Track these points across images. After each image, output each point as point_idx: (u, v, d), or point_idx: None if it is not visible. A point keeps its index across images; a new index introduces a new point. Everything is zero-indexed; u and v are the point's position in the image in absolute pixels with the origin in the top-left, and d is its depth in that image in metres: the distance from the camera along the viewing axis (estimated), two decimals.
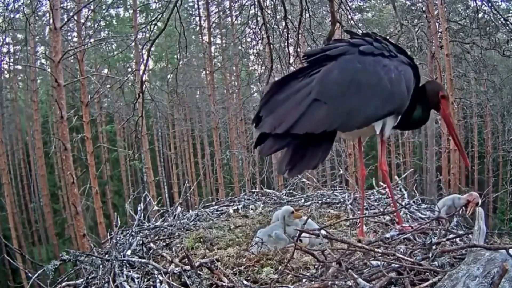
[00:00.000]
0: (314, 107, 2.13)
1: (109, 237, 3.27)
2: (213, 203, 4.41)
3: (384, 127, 2.48)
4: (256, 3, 5.40)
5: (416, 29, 12.11)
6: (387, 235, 2.55)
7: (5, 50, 18.58)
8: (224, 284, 2.08)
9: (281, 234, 2.67)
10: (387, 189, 4.03)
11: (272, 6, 5.87)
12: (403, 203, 3.44)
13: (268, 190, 4.64)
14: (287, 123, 2.08)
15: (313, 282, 2.00)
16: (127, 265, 2.46)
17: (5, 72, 19.83)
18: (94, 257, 2.60)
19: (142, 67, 5.77)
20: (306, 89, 2.19)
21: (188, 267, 2.18)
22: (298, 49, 5.41)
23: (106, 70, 16.74)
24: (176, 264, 2.33)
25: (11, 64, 19.37)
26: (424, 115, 2.68)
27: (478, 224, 2.09)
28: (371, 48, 2.36)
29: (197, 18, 18.23)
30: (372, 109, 2.28)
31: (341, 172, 6.33)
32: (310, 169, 2.28)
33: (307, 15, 5.40)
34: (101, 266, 2.50)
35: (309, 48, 7.62)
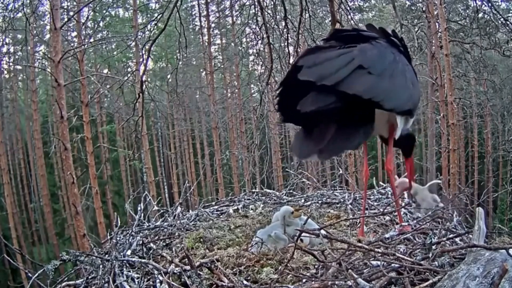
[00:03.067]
0: (360, 73, 1.89)
1: (109, 237, 3.26)
2: (213, 203, 4.40)
3: (401, 124, 2.40)
4: (256, 3, 5.40)
5: (416, 29, 12.12)
6: (387, 235, 2.55)
7: (5, 50, 18.60)
8: (224, 284, 2.08)
9: (281, 234, 2.68)
10: (387, 189, 4.04)
11: (272, 6, 5.87)
12: (403, 203, 3.44)
13: (268, 190, 4.64)
14: (337, 76, 1.82)
15: (313, 282, 2.00)
16: (127, 265, 2.46)
17: (5, 72, 19.83)
18: (94, 257, 2.59)
19: (142, 67, 5.77)
20: (349, 55, 1.96)
21: (188, 267, 2.18)
22: (298, 49, 5.41)
23: (106, 70, 16.78)
24: (176, 264, 2.33)
25: (11, 64, 19.37)
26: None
27: (478, 224, 2.09)
28: (397, 44, 2.33)
29: (197, 18, 18.24)
30: (405, 99, 2.16)
31: (341, 172, 6.33)
32: (349, 150, 2.10)
33: (307, 15, 5.40)
34: (101, 266, 2.50)
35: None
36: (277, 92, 2.12)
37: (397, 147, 2.81)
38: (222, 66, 18.58)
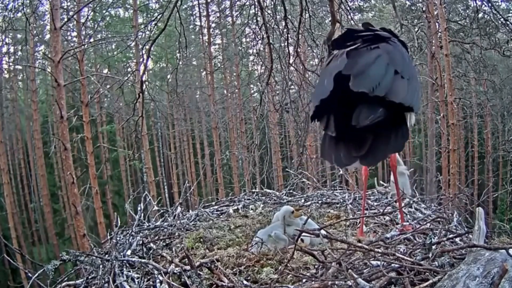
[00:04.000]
0: (398, 79, 1.86)
1: (109, 237, 3.27)
2: (213, 203, 4.41)
3: (412, 121, 2.37)
4: (256, 3, 5.39)
5: (416, 29, 12.12)
6: (387, 235, 2.55)
7: (5, 50, 18.60)
8: (224, 284, 2.08)
9: (281, 234, 2.68)
10: (387, 189, 4.05)
11: (272, 6, 5.87)
12: (403, 203, 3.44)
13: (268, 190, 4.64)
14: (384, 87, 1.77)
15: (313, 282, 2.00)
16: (127, 265, 2.46)
17: (5, 72, 19.82)
18: (94, 257, 2.59)
19: (142, 67, 5.77)
20: (382, 59, 1.92)
21: (188, 267, 2.18)
22: (298, 49, 5.40)
23: (106, 70, 16.76)
24: (176, 264, 2.33)
25: (11, 64, 19.36)
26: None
27: (478, 224, 2.09)
28: (404, 44, 2.31)
29: (197, 18, 18.25)
30: (418, 98, 2.11)
31: (341, 172, 6.32)
32: (394, 153, 2.04)
33: (307, 15, 5.40)
34: (101, 266, 2.50)
35: (309, 48, 7.62)
36: (318, 99, 1.94)
37: None
38: (222, 66, 18.57)
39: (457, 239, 2.43)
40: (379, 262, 2.05)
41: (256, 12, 6.15)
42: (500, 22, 8.40)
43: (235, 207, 4.00)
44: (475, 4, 8.56)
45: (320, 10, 12.82)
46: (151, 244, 2.89)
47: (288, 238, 2.65)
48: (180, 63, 7.62)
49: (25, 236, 18.67)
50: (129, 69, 18.12)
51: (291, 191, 4.57)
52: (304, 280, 2.09)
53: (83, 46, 11.04)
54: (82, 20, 11.89)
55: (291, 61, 5.55)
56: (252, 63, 17.67)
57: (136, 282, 2.27)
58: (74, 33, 14.08)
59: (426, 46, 11.75)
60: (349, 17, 5.35)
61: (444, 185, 9.52)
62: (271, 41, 5.45)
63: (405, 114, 2.14)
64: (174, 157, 22.13)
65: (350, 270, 1.94)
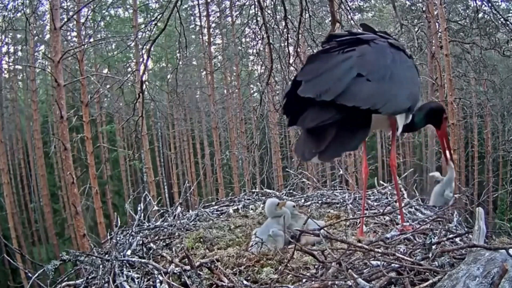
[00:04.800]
0: (359, 82, 1.98)
1: (109, 237, 3.26)
2: (213, 203, 4.40)
3: (401, 122, 2.45)
4: (256, 3, 5.40)
5: (416, 29, 12.12)
6: (388, 235, 2.55)
7: (5, 50, 18.60)
8: (224, 284, 2.08)
9: (277, 230, 2.67)
10: (386, 189, 4.04)
11: (272, 6, 5.87)
12: (403, 203, 3.44)
13: (268, 190, 4.63)
14: (335, 91, 1.90)
15: (313, 282, 2.00)
16: (127, 265, 2.46)
17: (5, 72, 19.82)
18: (94, 257, 2.59)
19: (142, 67, 5.78)
20: (347, 63, 2.04)
21: (188, 267, 2.18)
22: (298, 49, 5.41)
23: (106, 70, 16.74)
24: (176, 264, 2.33)
25: (11, 64, 19.37)
26: (421, 124, 2.76)
27: (478, 224, 2.09)
28: (396, 43, 2.38)
29: (197, 18, 18.24)
30: (402, 99, 2.23)
31: (341, 172, 6.32)
32: (347, 151, 2.18)
33: (307, 15, 5.40)
34: (101, 266, 2.50)
35: (309, 48, 7.62)
36: (283, 102, 2.19)
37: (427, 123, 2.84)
38: (222, 66, 18.56)
39: (457, 239, 2.43)
40: (379, 262, 2.05)
41: (256, 12, 6.16)
42: (500, 22, 8.40)
43: (235, 207, 4.00)
44: (475, 4, 8.56)
45: (320, 10, 12.83)
46: (151, 244, 2.89)
47: (285, 231, 2.64)
48: (180, 63, 7.62)
49: (25, 236, 18.67)
50: (129, 69, 18.11)
51: (291, 191, 4.56)
52: (304, 280, 2.09)
53: (83, 46, 11.04)
54: (82, 20, 11.88)
55: (291, 61, 5.56)
56: (252, 63, 17.68)
57: (136, 282, 2.27)
58: (74, 33, 14.07)
59: (426, 46, 11.75)
60: (349, 17, 5.35)
61: None
62: (271, 41, 5.45)
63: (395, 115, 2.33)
64: (174, 157, 22.14)
65: (350, 270, 1.94)
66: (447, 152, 3.00)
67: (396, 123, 2.43)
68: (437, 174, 3.50)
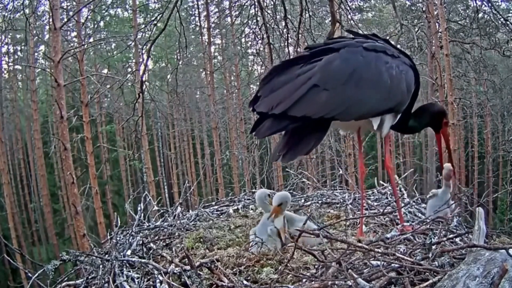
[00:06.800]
0: (314, 92, 2.14)
1: (109, 237, 3.26)
2: (213, 203, 4.40)
3: (382, 124, 2.48)
4: (256, 3, 5.40)
5: (416, 29, 12.11)
6: (388, 235, 2.55)
7: (5, 50, 18.59)
8: (224, 284, 2.08)
9: (274, 229, 2.66)
10: (386, 189, 4.04)
11: (272, 6, 5.88)
12: (403, 203, 3.43)
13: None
14: (285, 104, 2.09)
15: (313, 282, 2.00)
16: (127, 265, 2.46)
17: (5, 72, 19.82)
18: (94, 257, 2.60)
19: (142, 67, 5.78)
20: (307, 74, 2.19)
21: (188, 267, 2.18)
22: (298, 49, 5.41)
23: (106, 70, 16.73)
24: (176, 264, 2.33)
25: (11, 64, 19.36)
26: (418, 126, 2.80)
27: (478, 224, 2.08)
28: (374, 45, 2.38)
29: (197, 18, 18.23)
30: (372, 103, 2.30)
31: (341, 172, 6.32)
32: (303, 155, 2.29)
33: (307, 15, 5.41)
34: (101, 266, 2.50)
35: None
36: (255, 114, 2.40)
37: (425, 126, 2.87)
38: (222, 66, 18.55)
39: (457, 239, 2.43)
40: (379, 262, 2.05)
41: (256, 12, 6.16)
42: (500, 22, 8.39)
43: (235, 207, 4.00)
44: (475, 4, 8.56)
45: (320, 10, 12.84)
46: (151, 244, 2.89)
47: (284, 221, 2.64)
48: (180, 63, 7.63)
49: (25, 236, 18.66)
50: (129, 69, 18.09)
51: (291, 191, 4.56)
52: (304, 280, 2.09)
53: (83, 46, 11.04)
54: (82, 20, 11.89)
55: None
56: (252, 63, 17.68)
57: (136, 282, 2.27)
58: (74, 33, 14.07)
59: (426, 46, 11.75)
60: (349, 17, 5.36)
61: None
62: (271, 41, 5.45)
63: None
64: (174, 157, 22.12)
65: (350, 270, 1.94)
66: (447, 163, 2.97)
67: (379, 125, 2.47)
68: (435, 191, 3.33)
